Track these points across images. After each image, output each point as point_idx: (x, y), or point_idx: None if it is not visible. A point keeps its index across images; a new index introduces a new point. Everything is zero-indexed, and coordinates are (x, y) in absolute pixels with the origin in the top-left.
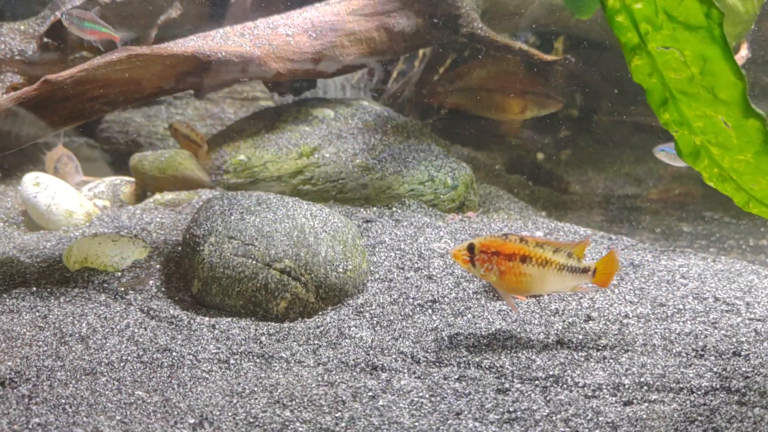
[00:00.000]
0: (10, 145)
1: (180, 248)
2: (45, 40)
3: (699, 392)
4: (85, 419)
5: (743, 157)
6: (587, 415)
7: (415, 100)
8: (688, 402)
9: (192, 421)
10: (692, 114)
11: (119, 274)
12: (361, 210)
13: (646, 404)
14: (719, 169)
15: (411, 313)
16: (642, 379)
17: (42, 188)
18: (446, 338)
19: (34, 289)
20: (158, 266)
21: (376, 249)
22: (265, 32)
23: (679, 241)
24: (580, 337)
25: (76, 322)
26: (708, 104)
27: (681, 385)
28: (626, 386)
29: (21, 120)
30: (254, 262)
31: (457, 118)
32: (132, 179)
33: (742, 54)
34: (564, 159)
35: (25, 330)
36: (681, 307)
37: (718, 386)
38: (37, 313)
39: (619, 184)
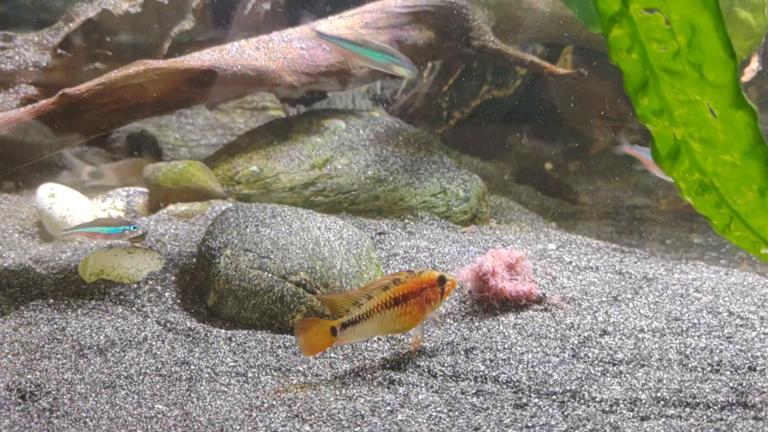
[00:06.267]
0: (28, 157)
1: (195, 260)
2: (59, 51)
3: (715, 407)
4: None
5: (729, 157)
6: (605, 431)
7: (425, 110)
8: (704, 417)
9: None
10: (674, 99)
11: (135, 285)
12: (374, 222)
13: (663, 419)
14: (700, 174)
15: (426, 327)
16: (659, 394)
17: (57, 200)
18: (462, 352)
19: (51, 301)
20: (173, 278)
21: (390, 262)
22: (279, 46)
23: (690, 252)
24: (596, 351)
25: (94, 335)
26: (693, 85)
27: (697, 400)
28: (643, 401)
29: (39, 132)
30: (270, 275)
31: (465, 129)
32: (145, 190)
33: (753, 67)
34: (573, 169)
35: (43, 342)
36: (696, 321)
37: (734, 401)
38: (54, 326)
39: (628, 195)
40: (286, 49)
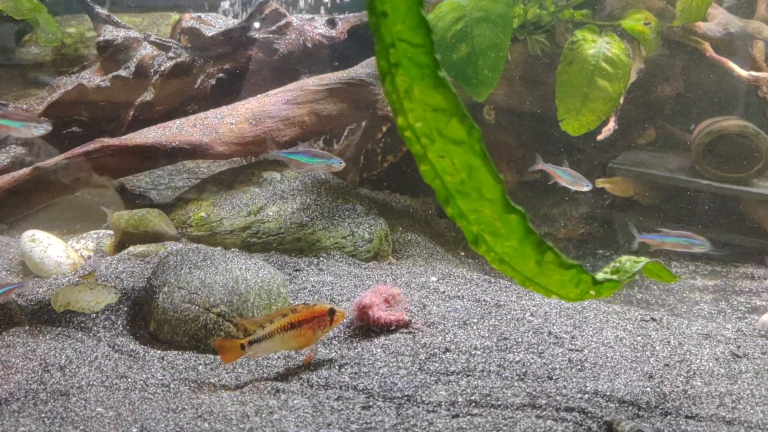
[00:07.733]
0: (13, 214)
1: (143, 293)
2: (43, 118)
3: (511, 408)
4: (58, 429)
5: (510, 243)
6: (423, 426)
7: (357, 157)
8: (500, 416)
9: (135, 430)
10: (467, 208)
11: (94, 315)
12: (294, 260)
13: (469, 417)
14: (495, 254)
15: (315, 347)
16: (472, 398)
17: (36, 243)
18: (337, 367)
19: (27, 327)
20: (126, 308)
21: (299, 294)
22: (213, 122)
23: None
24: (437, 365)
25: (57, 355)
26: (477, 201)
27: (500, 402)
28: (459, 403)
29: (19, 195)
30: (197, 308)
31: (397, 170)
32: (112, 233)
33: (610, 126)
34: None
35: (18, 361)
36: (520, 340)
37: (526, 403)
38: (28, 348)
39: (536, 224)
40: (218, 125)
